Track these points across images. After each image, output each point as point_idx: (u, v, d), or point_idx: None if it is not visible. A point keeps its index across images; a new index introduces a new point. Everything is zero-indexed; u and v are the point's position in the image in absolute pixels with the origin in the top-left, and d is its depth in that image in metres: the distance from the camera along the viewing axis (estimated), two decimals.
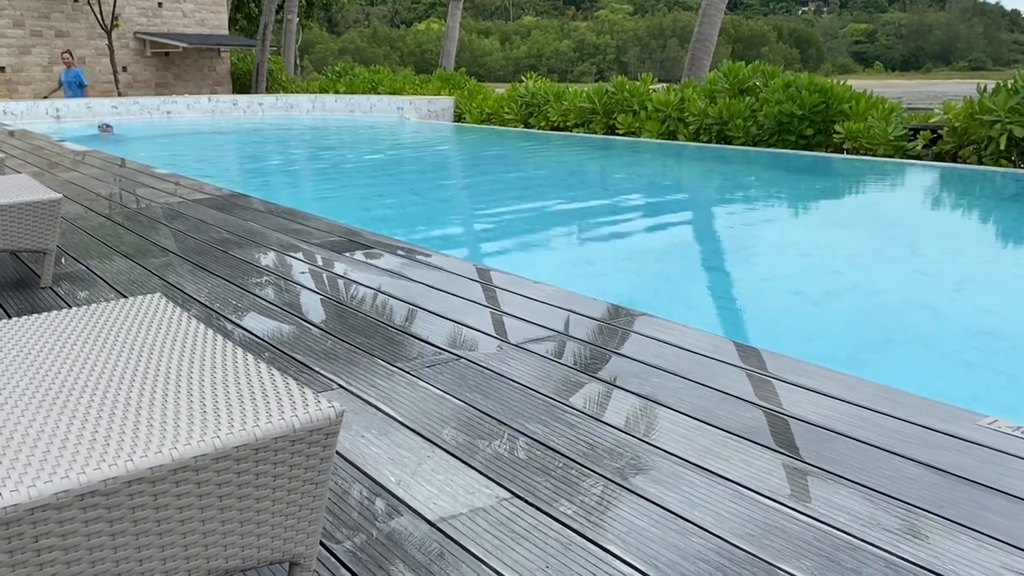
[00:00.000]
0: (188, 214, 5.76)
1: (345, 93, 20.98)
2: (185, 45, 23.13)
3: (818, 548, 1.76)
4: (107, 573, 1.24)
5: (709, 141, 12.43)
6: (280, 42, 28.00)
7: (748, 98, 12.15)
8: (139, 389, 1.48)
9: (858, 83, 12.84)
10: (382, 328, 3.24)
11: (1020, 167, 9.40)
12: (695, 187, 9.88)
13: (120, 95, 20.45)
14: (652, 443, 2.24)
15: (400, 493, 1.98)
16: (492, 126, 16.53)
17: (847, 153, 10.90)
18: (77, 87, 17.28)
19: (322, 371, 2.78)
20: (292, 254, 4.57)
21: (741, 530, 1.82)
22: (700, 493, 1.98)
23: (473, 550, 1.75)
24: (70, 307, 2.75)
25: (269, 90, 23.38)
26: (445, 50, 25.36)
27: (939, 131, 10.23)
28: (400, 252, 4.59)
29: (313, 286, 3.92)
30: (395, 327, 3.26)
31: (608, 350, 2.99)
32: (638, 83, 14.02)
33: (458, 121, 18.01)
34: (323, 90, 22.36)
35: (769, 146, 11.74)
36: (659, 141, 12.98)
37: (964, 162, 9.80)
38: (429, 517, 1.87)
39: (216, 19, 24.89)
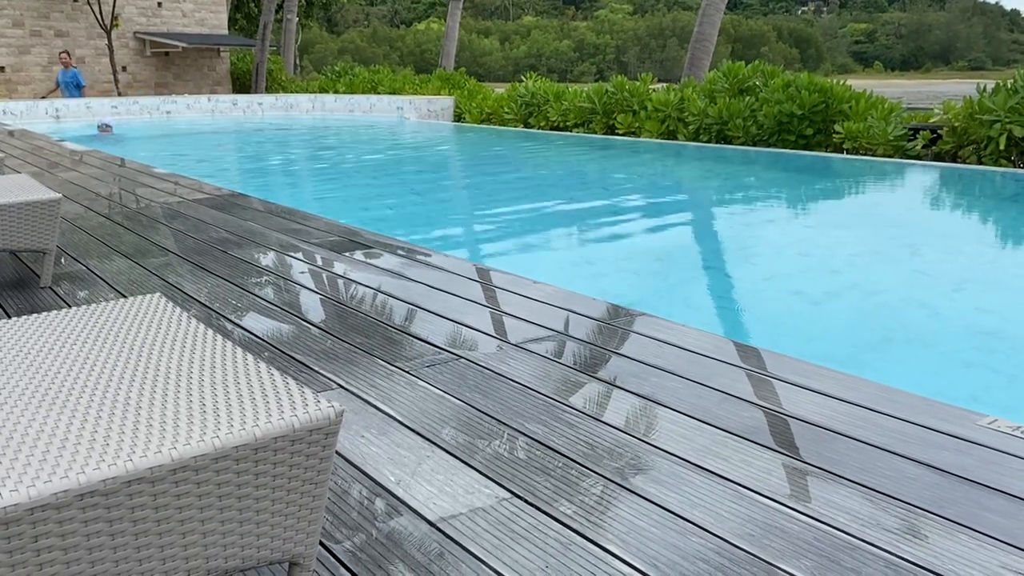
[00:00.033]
0: (188, 214, 5.76)
1: (345, 93, 20.98)
2: (185, 45, 23.13)
3: (818, 548, 1.76)
4: (107, 573, 1.24)
5: (709, 141, 12.44)
6: (280, 42, 28.00)
7: (748, 98, 12.15)
8: (139, 389, 1.48)
9: (858, 83, 12.84)
10: (382, 328, 3.24)
11: (1020, 167, 9.40)
12: (695, 187, 9.88)
13: (120, 95, 20.45)
14: (652, 443, 2.24)
15: (400, 493, 1.98)
16: (492, 126, 16.53)
17: (847, 153, 10.90)
18: (74, 88, 17.28)
19: (322, 371, 2.77)
20: (292, 254, 4.57)
21: (741, 530, 1.82)
22: (700, 493, 1.98)
23: (473, 550, 1.75)
24: (70, 307, 2.75)
25: (269, 90, 23.38)
26: (445, 50, 25.36)
27: (939, 131, 10.23)
28: (400, 252, 4.59)
29: (313, 286, 3.91)
30: (395, 327, 3.26)
31: (608, 350, 2.99)
32: (638, 83, 14.02)
33: (458, 121, 18.01)
34: (323, 90, 22.36)
35: (769, 146, 11.74)
36: (659, 141, 12.98)
37: (964, 162, 9.80)
38: (429, 517, 1.87)
39: (216, 19, 24.89)
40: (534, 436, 2.28)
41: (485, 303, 3.60)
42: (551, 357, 2.91)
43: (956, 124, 9.90)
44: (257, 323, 3.31)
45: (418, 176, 10.63)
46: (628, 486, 2.01)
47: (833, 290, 5.22)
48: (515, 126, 15.93)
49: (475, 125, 16.96)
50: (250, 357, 1.65)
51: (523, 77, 16.61)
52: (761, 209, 8.15)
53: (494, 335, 3.15)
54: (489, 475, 2.06)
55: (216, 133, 15.99)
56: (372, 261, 4.38)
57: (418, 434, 2.29)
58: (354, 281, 3.98)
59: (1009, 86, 9.48)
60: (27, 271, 4.20)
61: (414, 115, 18.38)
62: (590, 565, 1.70)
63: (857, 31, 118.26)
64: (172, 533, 1.28)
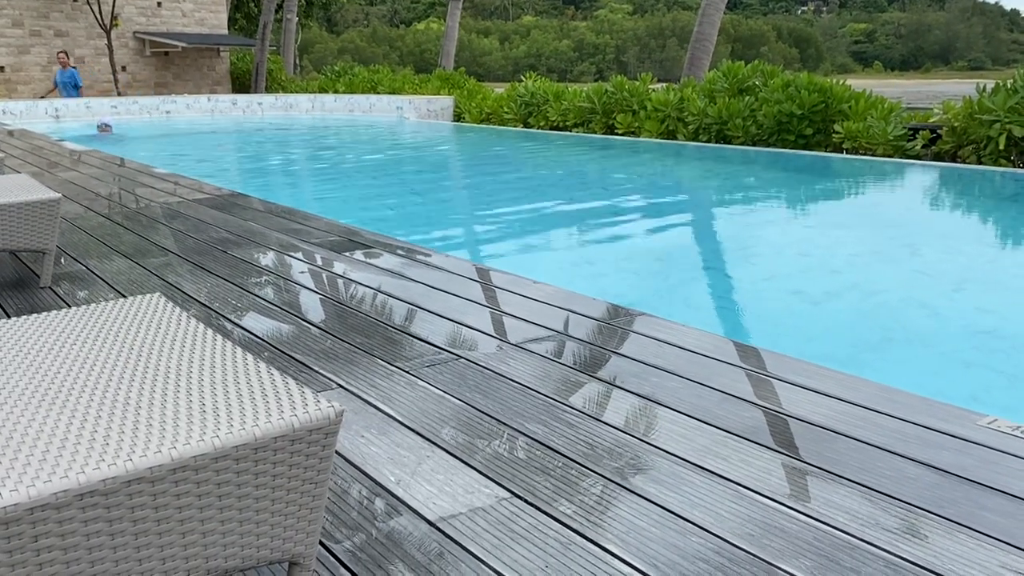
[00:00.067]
0: (187, 214, 5.76)
1: (344, 93, 20.98)
2: (184, 45, 23.12)
3: (817, 548, 1.76)
4: (106, 573, 1.24)
5: (708, 141, 12.44)
6: (279, 42, 27.99)
7: (747, 98, 12.15)
8: (138, 389, 1.48)
9: (857, 83, 12.84)
10: (382, 328, 3.24)
11: (1019, 167, 9.40)
12: (694, 187, 9.88)
13: (119, 95, 20.45)
14: (652, 443, 2.24)
15: (400, 493, 1.98)
16: (491, 126, 16.53)
17: (846, 153, 10.90)
18: (72, 88, 17.28)
19: (321, 371, 2.77)
20: (292, 254, 4.57)
21: (741, 530, 1.82)
22: (700, 493, 1.98)
23: (473, 550, 1.75)
24: (69, 307, 2.75)
25: (268, 90, 23.38)
26: (444, 50, 25.35)
27: (938, 131, 10.23)
28: (400, 252, 4.59)
29: (313, 286, 3.91)
30: (395, 327, 3.26)
31: (608, 350, 2.99)
32: (637, 83, 14.02)
33: (457, 121, 18.01)
34: (322, 90, 22.36)
35: (768, 146, 11.74)
36: (658, 141, 12.98)
37: (963, 162, 9.80)
38: (429, 517, 1.87)
39: (215, 19, 24.89)
40: (534, 436, 2.28)
41: (485, 303, 3.60)
42: (551, 357, 2.91)
43: (956, 124, 9.90)
44: (257, 323, 3.31)
45: (418, 176, 10.63)
46: (628, 486, 2.01)
47: (833, 290, 5.22)
48: (515, 126, 15.93)
49: (475, 125, 16.96)
50: (250, 357, 1.65)
51: (523, 77, 16.60)
52: (761, 209, 8.15)
53: (494, 335, 3.15)
54: (489, 475, 2.06)
55: (216, 133, 15.99)
56: (372, 261, 4.38)
57: (418, 434, 2.29)
58: (354, 281, 3.98)
59: (1009, 86, 9.48)
60: (27, 271, 4.20)
61: (414, 115, 18.38)
62: (590, 565, 1.70)
63: (857, 31, 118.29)
64: (172, 533, 1.28)
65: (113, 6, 21.52)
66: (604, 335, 3.16)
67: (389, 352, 2.95)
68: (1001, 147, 9.26)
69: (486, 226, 7.63)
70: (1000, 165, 9.38)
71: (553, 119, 15.04)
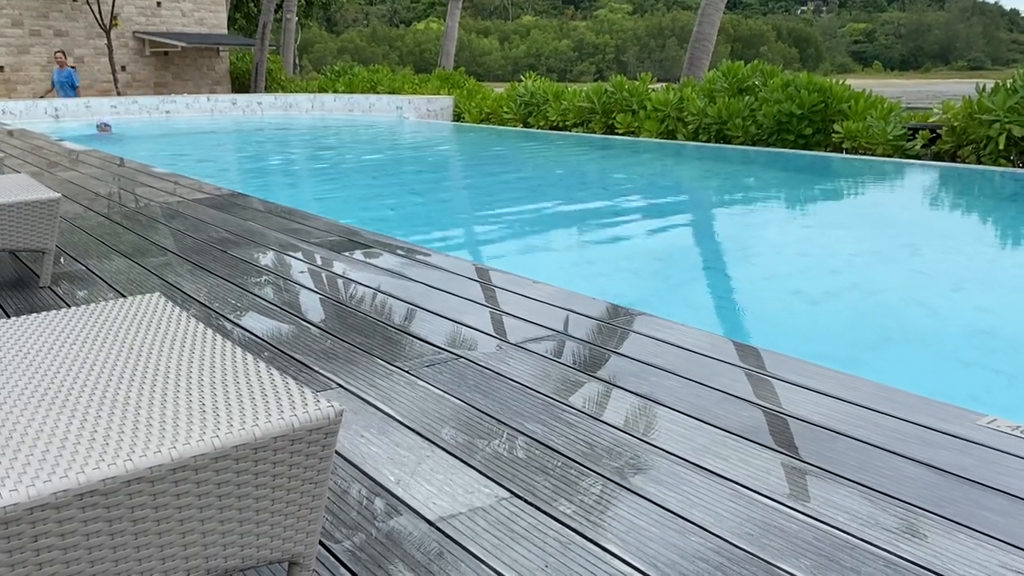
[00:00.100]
0: (187, 213, 5.76)
1: (344, 92, 20.97)
2: (184, 44, 23.12)
3: (817, 547, 1.76)
4: (106, 572, 1.24)
5: (708, 140, 12.44)
6: (279, 41, 27.99)
7: (747, 97, 12.15)
8: (138, 389, 1.48)
9: (857, 83, 12.84)
10: (381, 327, 3.24)
11: (1019, 167, 9.40)
12: (694, 187, 9.88)
13: (119, 94, 20.44)
14: (651, 442, 2.24)
15: (399, 492, 1.98)
16: (491, 126, 16.53)
17: (846, 152, 10.90)
18: (69, 88, 17.28)
19: (321, 370, 2.78)
20: (291, 253, 4.57)
21: (740, 529, 1.82)
22: (699, 492, 1.98)
23: (472, 549, 1.75)
24: (69, 306, 2.75)
25: (268, 89, 23.37)
26: (444, 49, 25.34)
27: (938, 131, 10.23)
28: (399, 251, 4.59)
29: (312, 285, 3.92)
30: (394, 326, 3.26)
31: (607, 349, 2.99)
32: (637, 83, 14.02)
33: (457, 120, 18.01)
34: (322, 89, 22.35)
35: (768, 145, 11.74)
36: (658, 140, 12.98)
37: (963, 162, 9.80)
38: (428, 516, 1.88)
39: (215, 18, 24.88)
40: (533, 436, 2.28)
41: (485, 303, 3.60)
42: (551, 357, 2.91)
43: (955, 124, 9.90)
44: (256, 323, 3.31)
45: (418, 176, 10.62)
46: (627, 485, 2.01)
47: (832, 290, 5.22)
48: (514, 126, 15.93)
49: (474, 125, 16.95)
50: (250, 357, 1.66)
51: (522, 77, 16.60)
52: (760, 209, 8.15)
53: (494, 335, 3.15)
54: (489, 475, 2.06)
55: (215, 133, 15.99)
56: (372, 261, 4.38)
57: (418, 434, 2.29)
58: (354, 281, 3.98)
59: (1008, 86, 9.48)
60: (26, 271, 4.20)
61: (413, 115, 18.38)
62: (589, 564, 1.70)
63: (856, 31, 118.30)
64: (172, 533, 1.28)
65: (113, 6, 21.52)
66: (603, 335, 3.16)
67: (389, 352, 2.95)
68: (1001, 147, 9.26)
69: (486, 226, 7.63)
70: (1000, 165, 9.38)
71: (553, 119, 15.04)
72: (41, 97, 18.33)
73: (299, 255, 4.53)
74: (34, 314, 1.92)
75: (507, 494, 1.97)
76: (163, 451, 1.25)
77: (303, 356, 2.92)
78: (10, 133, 12.69)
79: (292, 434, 1.36)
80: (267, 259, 4.42)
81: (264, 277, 4.03)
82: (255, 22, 28.72)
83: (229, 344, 1.73)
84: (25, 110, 16.14)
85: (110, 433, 1.30)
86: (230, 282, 3.93)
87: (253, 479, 1.34)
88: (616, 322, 3.31)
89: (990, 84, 9.91)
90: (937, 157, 10.17)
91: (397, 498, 1.96)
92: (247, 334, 3.16)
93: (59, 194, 3.84)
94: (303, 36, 40.28)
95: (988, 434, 2.27)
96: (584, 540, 1.79)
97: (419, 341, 3.07)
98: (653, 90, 13.64)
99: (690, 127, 12.63)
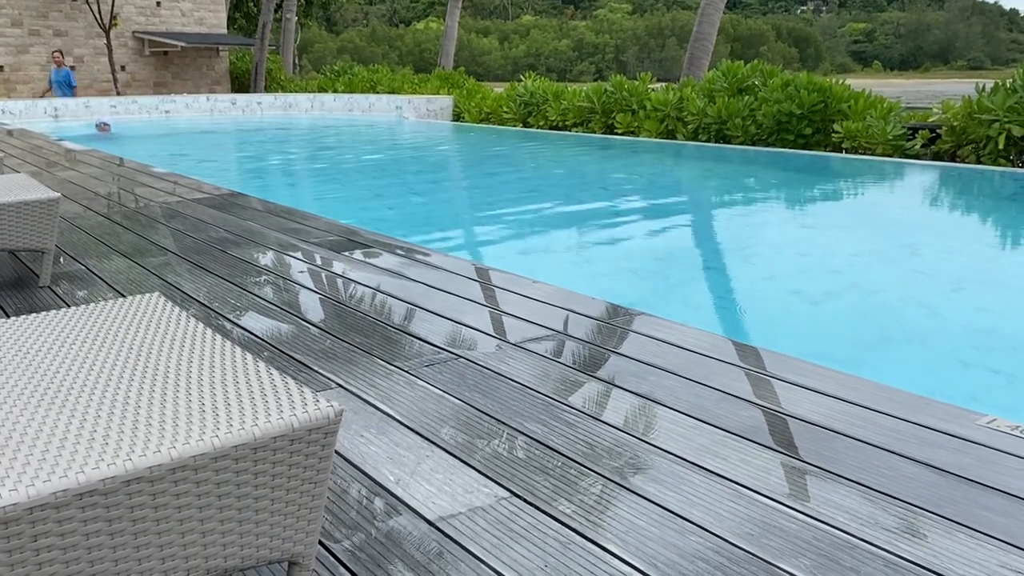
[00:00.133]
0: (187, 213, 5.76)
1: (344, 92, 20.97)
2: (183, 44, 23.11)
3: (817, 547, 1.76)
4: (106, 572, 1.24)
5: (708, 140, 12.44)
6: (279, 41, 27.99)
7: (747, 97, 12.16)
8: (138, 388, 1.48)
9: (857, 82, 12.85)
10: (381, 327, 3.24)
11: (1018, 166, 9.40)
12: (694, 186, 9.88)
13: (118, 94, 20.44)
14: (651, 442, 2.24)
15: (399, 492, 1.98)
16: (491, 125, 16.53)
17: (846, 152, 10.90)
18: (67, 87, 17.28)
19: (321, 370, 2.78)
20: (291, 253, 4.57)
21: (740, 529, 1.82)
22: (699, 492, 1.98)
23: (472, 549, 1.75)
24: (69, 306, 2.75)
25: (268, 89, 23.37)
26: (444, 49, 25.34)
27: (938, 130, 10.24)
28: (399, 251, 4.59)
29: (312, 285, 3.91)
30: (394, 326, 3.26)
31: (607, 349, 2.99)
32: (637, 82, 14.02)
33: (457, 120, 18.01)
34: (322, 89, 22.35)
35: (768, 145, 11.75)
36: (658, 140, 12.98)
37: (963, 161, 9.81)
38: (428, 516, 1.88)
39: (214, 18, 24.87)
40: (533, 435, 2.28)
41: (484, 303, 3.60)
42: (550, 356, 2.91)
43: (955, 123, 9.90)
44: (256, 322, 3.31)
45: (417, 176, 10.62)
46: (627, 485, 2.01)
47: (832, 290, 5.22)
48: (514, 125, 15.93)
49: (474, 124, 16.95)
50: (249, 356, 1.65)
51: (522, 76, 16.60)
52: (760, 209, 8.16)
53: (493, 335, 3.15)
54: (488, 474, 2.06)
55: (215, 132, 15.99)
56: (371, 261, 4.38)
57: (417, 433, 2.29)
58: (353, 281, 3.98)
59: (1008, 85, 9.48)
60: (26, 270, 4.19)
61: (413, 114, 18.37)
62: (589, 564, 1.70)
63: (856, 31, 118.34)
64: (171, 532, 1.28)
65: (112, 6, 21.51)
66: (603, 335, 3.16)
67: (388, 352, 2.95)
68: (1000, 146, 9.26)
69: (486, 226, 7.63)
70: (999, 165, 9.38)
71: (552, 119, 15.04)
72: (40, 97, 18.32)
73: (299, 255, 4.53)
74: (34, 314, 1.92)
75: (507, 494, 1.97)
76: (163, 451, 1.25)
77: (303, 356, 2.91)
78: (9, 133, 12.69)
79: (292, 434, 1.36)
80: (267, 259, 4.42)
81: (264, 277, 4.03)
82: (255, 22, 28.72)
83: (229, 344, 1.73)
84: (24, 110, 16.14)
85: (110, 433, 1.30)
86: (230, 282, 3.93)
87: (253, 479, 1.34)
88: (616, 322, 3.31)
89: (990, 84, 9.91)
90: (937, 157, 10.18)
91: (397, 498, 1.96)
92: (247, 334, 3.16)
93: (59, 194, 3.84)
94: (303, 36, 40.28)
95: (988, 434, 2.27)
96: (584, 540, 1.79)
97: (419, 341, 3.07)
98: (653, 90, 13.64)
99: (690, 127, 12.63)
